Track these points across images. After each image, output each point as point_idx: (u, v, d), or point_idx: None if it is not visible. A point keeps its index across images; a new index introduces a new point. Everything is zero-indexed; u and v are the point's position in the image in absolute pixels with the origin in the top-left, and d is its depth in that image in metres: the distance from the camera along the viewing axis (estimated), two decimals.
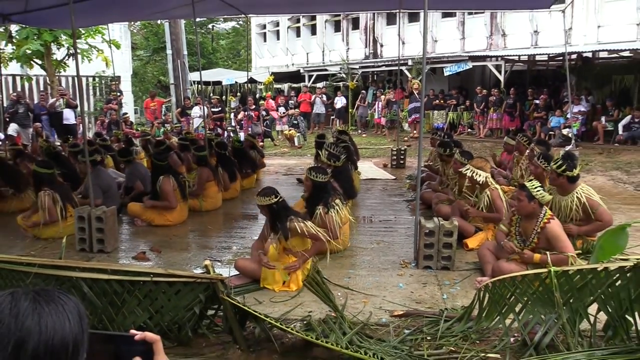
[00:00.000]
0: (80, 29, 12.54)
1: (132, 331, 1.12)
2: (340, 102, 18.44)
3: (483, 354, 3.05)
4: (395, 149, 10.85)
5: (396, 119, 14.41)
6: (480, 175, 5.28)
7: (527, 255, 4.02)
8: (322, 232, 4.18)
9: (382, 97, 16.86)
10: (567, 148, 9.16)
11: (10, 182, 7.05)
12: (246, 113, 15.21)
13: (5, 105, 12.37)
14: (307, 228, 4.12)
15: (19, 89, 15.98)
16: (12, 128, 12.31)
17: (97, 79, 18.79)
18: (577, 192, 4.75)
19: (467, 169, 5.40)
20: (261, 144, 13.67)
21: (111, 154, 8.49)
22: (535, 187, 4.09)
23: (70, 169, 7.30)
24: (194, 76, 19.42)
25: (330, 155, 6.20)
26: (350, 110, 18.84)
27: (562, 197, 4.84)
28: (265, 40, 27.83)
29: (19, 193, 6.98)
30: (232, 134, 14.54)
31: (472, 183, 5.44)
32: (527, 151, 6.75)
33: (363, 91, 18.68)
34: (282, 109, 16.48)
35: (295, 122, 15.74)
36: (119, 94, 15.64)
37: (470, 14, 17.68)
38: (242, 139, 11.10)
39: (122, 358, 1.11)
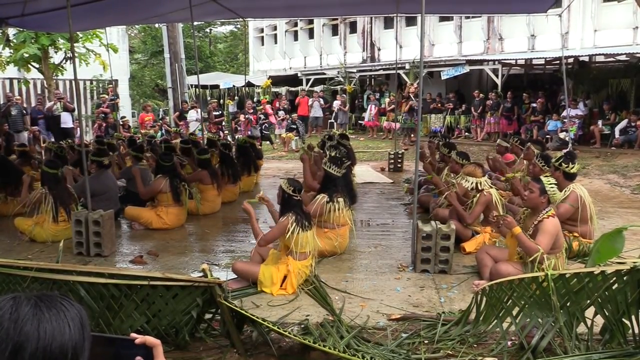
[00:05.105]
0: (78, 33, 12.52)
1: (133, 335, 1.12)
2: (337, 106, 18.48)
3: (480, 358, 3.05)
4: (392, 153, 10.87)
5: (412, 127, 14.39)
6: (468, 181, 5.29)
7: (508, 219, 4.00)
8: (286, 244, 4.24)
9: (386, 100, 16.90)
10: (564, 152, 9.18)
11: (10, 184, 6.99)
12: (245, 117, 15.23)
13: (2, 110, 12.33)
14: (285, 227, 4.17)
15: (16, 92, 15.93)
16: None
17: (94, 83, 18.78)
18: (567, 188, 4.91)
19: (458, 176, 5.41)
20: (259, 147, 13.64)
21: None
22: (550, 184, 4.18)
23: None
24: (191, 80, 19.45)
25: (332, 159, 6.18)
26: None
27: (558, 192, 4.95)
28: (262, 44, 27.87)
29: (19, 196, 6.92)
30: (228, 138, 14.53)
31: (463, 190, 5.44)
32: (523, 152, 6.85)
33: (344, 95, 18.75)
34: (282, 113, 16.49)
35: (294, 126, 15.76)
36: (115, 97, 15.57)
37: (467, 18, 17.75)
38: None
39: None
